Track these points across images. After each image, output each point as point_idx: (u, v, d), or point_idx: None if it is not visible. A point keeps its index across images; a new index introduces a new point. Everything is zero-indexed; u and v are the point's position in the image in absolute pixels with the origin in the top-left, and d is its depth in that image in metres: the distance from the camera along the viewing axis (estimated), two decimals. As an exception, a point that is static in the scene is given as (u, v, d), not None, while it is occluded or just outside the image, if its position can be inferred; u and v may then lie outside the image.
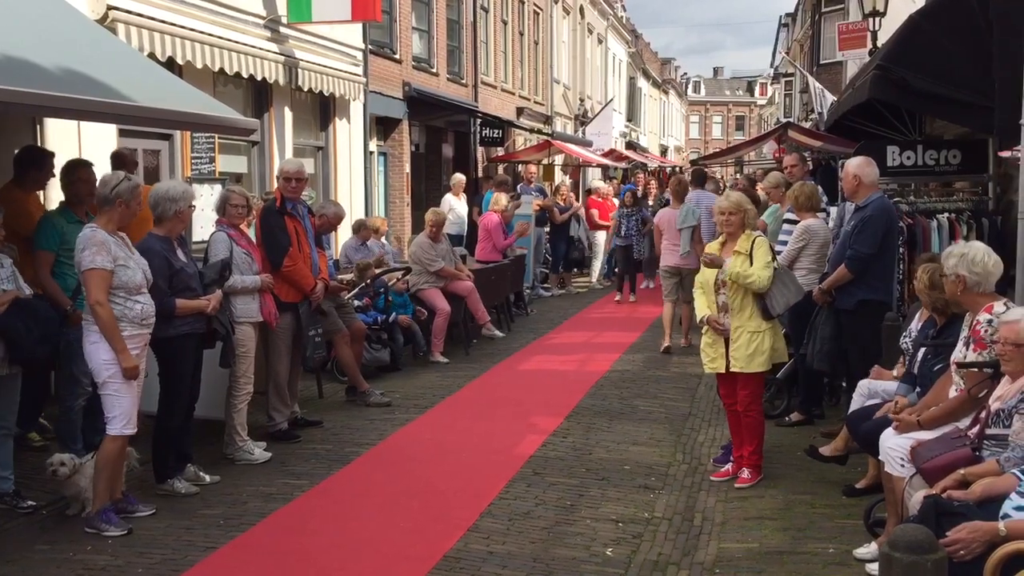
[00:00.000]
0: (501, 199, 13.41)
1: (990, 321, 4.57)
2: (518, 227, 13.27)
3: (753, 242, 6.12)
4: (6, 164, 6.90)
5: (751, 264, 6.04)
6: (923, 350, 5.36)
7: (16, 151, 6.92)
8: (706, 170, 15.63)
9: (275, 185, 7.84)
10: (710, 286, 6.25)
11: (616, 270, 16.23)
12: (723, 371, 6.23)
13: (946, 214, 7.73)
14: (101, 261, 5.25)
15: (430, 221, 10.64)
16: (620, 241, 15.16)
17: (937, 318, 5.33)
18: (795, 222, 7.90)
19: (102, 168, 6.75)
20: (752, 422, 6.24)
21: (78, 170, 6.51)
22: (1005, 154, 7.63)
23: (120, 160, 7.31)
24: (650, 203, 16.80)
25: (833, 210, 8.95)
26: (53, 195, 7.23)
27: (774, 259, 6.20)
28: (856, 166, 6.73)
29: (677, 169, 34.27)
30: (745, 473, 6.24)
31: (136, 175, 7.42)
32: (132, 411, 5.42)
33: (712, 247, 6.41)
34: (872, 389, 5.86)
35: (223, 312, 6.24)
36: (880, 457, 4.91)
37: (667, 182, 22.50)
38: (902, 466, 4.60)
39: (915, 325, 5.74)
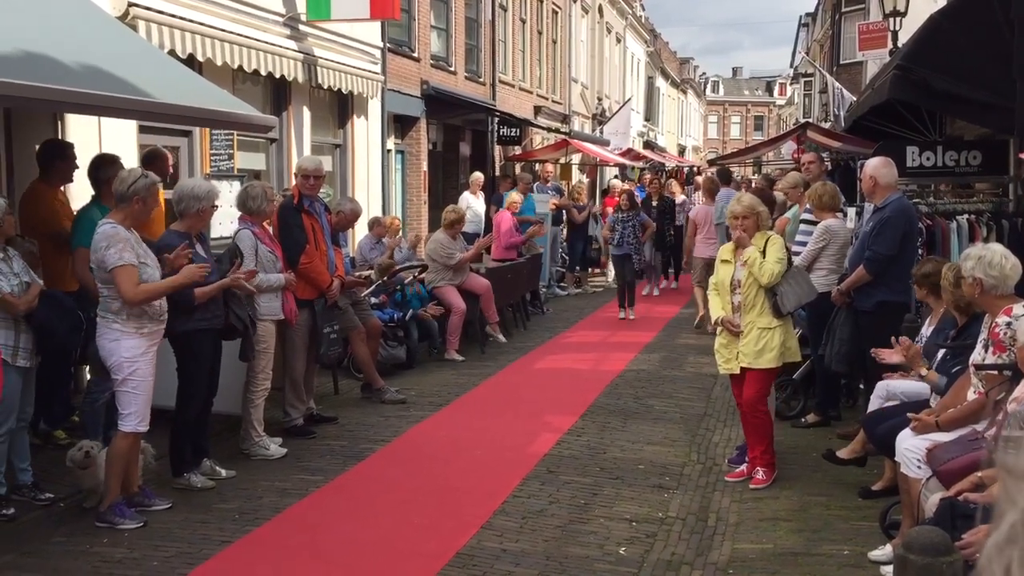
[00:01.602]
0: (513, 195, 13.48)
1: (1008, 323, 4.54)
2: (531, 230, 13.26)
3: (767, 240, 6.12)
4: (29, 159, 6.97)
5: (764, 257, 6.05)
6: (941, 351, 5.33)
7: (37, 147, 6.98)
8: (729, 172, 15.92)
9: (293, 182, 7.86)
10: (726, 287, 6.24)
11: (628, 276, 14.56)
12: (737, 372, 6.22)
13: (966, 215, 7.67)
14: (129, 257, 5.29)
15: (450, 219, 10.65)
16: (616, 250, 13.33)
17: (958, 317, 5.30)
18: (812, 222, 7.87)
19: (127, 164, 6.79)
20: (758, 422, 6.18)
21: (108, 167, 6.56)
22: (1026, 155, 7.56)
23: (153, 158, 7.36)
24: (654, 203, 15.99)
25: (850, 211, 8.89)
26: (75, 190, 7.29)
27: (789, 259, 6.19)
28: (873, 167, 6.70)
29: (695, 169, 34.15)
30: (759, 473, 6.21)
31: (168, 173, 7.51)
32: (146, 409, 5.46)
33: (726, 250, 6.36)
34: (890, 391, 5.82)
35: (241, 307, 6.27)
36: (896, 458, 4.88)
37: (681, 181, 22.41)
38: (918, 467, 4.57)
39: (926, 330, 5.71)
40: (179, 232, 5.99)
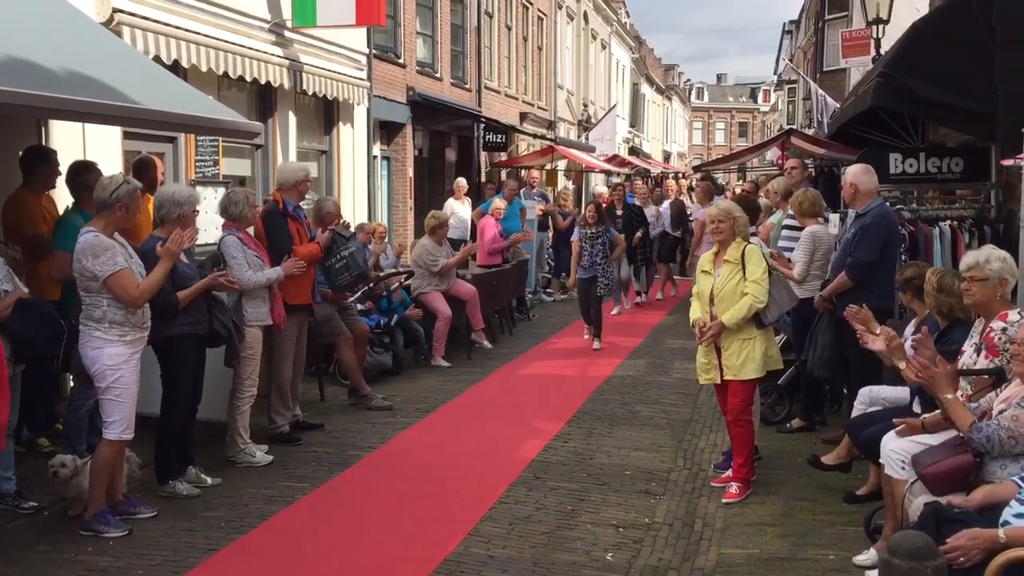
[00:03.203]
0: (496, 202, 13.50)
1: (1004, 329, 4.56)
2: (514, 236, 13.19)
3: (743, 251, 6.07)
4: (12, 166, 6.93)
5: (743, 273, 6.00)
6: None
7: (20, 153, 6.95)
8: (714, 180, 15.68)
9: (273, 188, 7.87)
10: (705, 297, 6.18)
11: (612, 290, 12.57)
12: (718, 382, 6.22)
13: (948, 222, 7.74)
14: (121, 261, 5.28)
15: (435, 225, 10.67)
16: (583, 272, 11.39)
17: (940, 322, 5.33)
18: (795, 228, 7.91)
19: (108, 170, 6.76)
20: (741, 433, 6.17)
21: (85, 173, 6.53)
22: (1007, 162, 7.63)
23: (144, 166, 7.34)
24: (618, 213, 14.20)
25: (834, 217, 8.95)
26: (59, 197, 7.25)
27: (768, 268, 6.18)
28: (853, 174, 6.75)
29: (680, 175, 34.28)
30: (733, 488, 6.15)
31: (159, 181, 7.48)
32: (131, 416, 5.44)
33: (706, 258, 6.31)
34: (873, 397, 5.86)
35: (224, 312, 6.25)
36: (881, 460, 4.90)
37: (666, 188, 22.25)
38: (902, 469, 4.60)
39: (909, 330, 5.75)
40: (162, 238, 5.95)
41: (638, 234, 14.31)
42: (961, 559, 3.44)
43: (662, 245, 15.95)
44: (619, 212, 14.28)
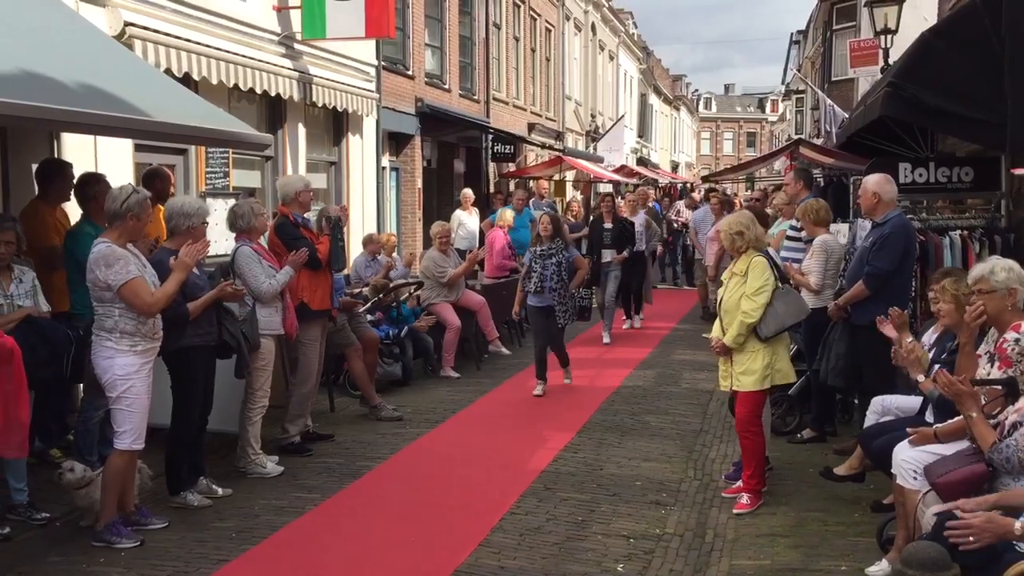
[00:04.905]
0: (506, 214, 13.48)
1: (1017, 340, 4.54)
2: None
3: (749, 264, 6.09)
4: (26, 178, 6.98)
5: (746, 282, 6.05)
6: (936, 366, 5.34)
7: (35, 166, 7.00)
8: (717, 191, 15.56)
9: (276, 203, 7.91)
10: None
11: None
12: (729, 389, 6.26)
13: (958, 231, 7.72)
14: (134, 270, 5.31)
15: (437, 234, 10.73)
16: (534, 299, 9.27)
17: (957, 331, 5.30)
18: (797, 239, 7.89)
19: (119, 183, 6.79)
20: (749, 444, 6.16)
21: (93, 185, 6.57)
22: (1018, 171, 7.63)
23: (153, 177, 7.38)
24: (606, 226, 12.82)
25: (843, 227, 8.93)
26: (72, 209, 7.29)
27: (783, 277, 6.19)
28: (875, 183, 6.72)
29: (688, 186, 34.29)
30: (744, 499, 6.14)
31: (170, 192, 7.52)
32: (142, 426, 5.45)
33: (729, 269, 6.37)
34: (886, 407, 5.84)
35: (234, 323, 6.27)
36: (893, 470, 4.88)
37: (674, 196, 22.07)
38: (915, 479, 4.59)
39: (928, 337, 5.73)
40: (171, 250, 5.98)
41: (624, 252, 12.85)
42: (970, 538, 3.41)
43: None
44: (608, 225, 12.82)
